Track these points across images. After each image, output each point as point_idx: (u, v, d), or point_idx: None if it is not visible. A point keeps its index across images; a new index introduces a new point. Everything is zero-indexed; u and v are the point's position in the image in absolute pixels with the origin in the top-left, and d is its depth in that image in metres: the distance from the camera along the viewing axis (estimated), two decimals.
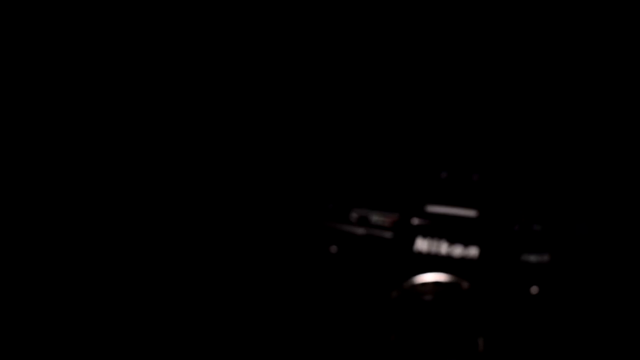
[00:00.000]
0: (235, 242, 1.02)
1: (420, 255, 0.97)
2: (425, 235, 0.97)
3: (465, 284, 0.96)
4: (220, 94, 1.02)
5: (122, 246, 0.97)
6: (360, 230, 0.97)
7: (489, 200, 0.97)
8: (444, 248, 0.97)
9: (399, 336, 0.93)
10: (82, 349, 0.85)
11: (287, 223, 1.01)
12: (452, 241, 0.96)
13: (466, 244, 0.96)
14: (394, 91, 1.05)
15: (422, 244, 0.97)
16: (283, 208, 1.03)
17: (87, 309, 0.91)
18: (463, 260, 0.96)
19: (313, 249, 0.96)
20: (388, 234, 0.98)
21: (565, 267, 0.95)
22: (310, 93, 1.03)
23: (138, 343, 0.89)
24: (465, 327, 0.94)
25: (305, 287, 0.98)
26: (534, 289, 0.96)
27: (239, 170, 1.03)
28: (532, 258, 0.98)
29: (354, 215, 0.97)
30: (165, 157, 1.00)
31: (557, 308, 0.96)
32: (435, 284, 0.97)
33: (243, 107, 1.03)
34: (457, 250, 0.97)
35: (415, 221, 0.96)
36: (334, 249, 0.97)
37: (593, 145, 0.99)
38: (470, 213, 0.97)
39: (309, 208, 0.98)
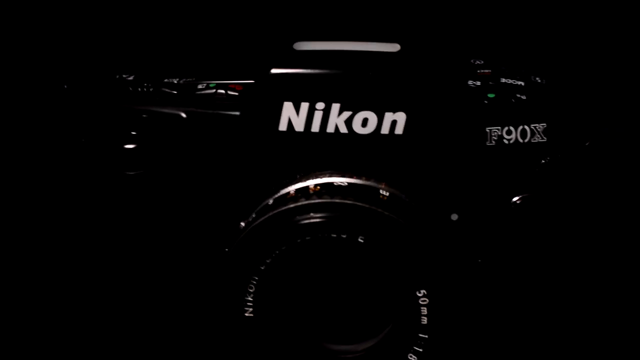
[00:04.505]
0: None
1: (299, 140, 0.57)
2: (304, 98, 0.56)
3: (384, 190, 0.56)
4: None
5: None
6: (182, 112, 0.60)
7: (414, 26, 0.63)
8: (338, 122, 0.56)
9: (260, 301, 0.56)
10: None
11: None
12: (353, 107, 0.56)
13: (379, 110, 0.56)
14: None
15: (296, 120, 0.57)
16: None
17: None
18: (378, 142, 0.56)
19: (100, 151, 0.61)
20: (233, 112, 0.59)
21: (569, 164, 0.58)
22: None
23: None
24: (391, 275, 0.55)
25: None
26: (517, 198, 0.58)
27: None
28: (508, 136, 0.58)
29: (167, 87, 0.61)
30: None
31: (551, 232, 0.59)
32: (328, 191, 0.55)
33: None
34: (366, 125, 0.56)
35: (280, 81, 0.57)
36: (130, 147, 0.60)
37: None
38: (384, 48, 0.57)
39: (91, 84, 0.63)
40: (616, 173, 0.61)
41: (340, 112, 0.56)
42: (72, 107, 0.63)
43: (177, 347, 0.64)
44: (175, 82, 0.63)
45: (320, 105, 0.56)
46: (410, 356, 0.56)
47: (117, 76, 0.64)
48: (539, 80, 0.61)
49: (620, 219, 0.61)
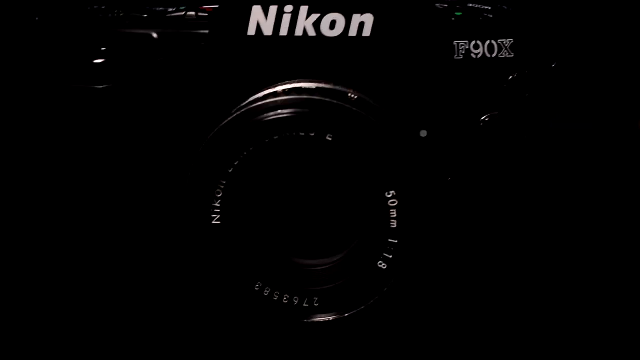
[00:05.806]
0: None
1: (268, 45, 0.56)
2: (273, 1, 0.55)
3: (353, 94, 0.54)
4: None
5: None
6: (154, 32, 0.59)
7: None
8: (306, 24, 0.55)
9: (228, 207, 0.54)
10: None
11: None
12: (321, 8, 0.55)
13: (347, 12, 0.55)
14: None
15: (265, 23, 0.56)
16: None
17: None
18: (346, 45, 0.55)
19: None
20: (203, 30, 0.59)
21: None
22: None
23: None
24: (360, 176, 0.53)
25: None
26: (485, 116, 0.57)
27: None
28: (475, 50, 0.57)
29: (138, 12, 0.62)
30: None
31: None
32: (297, 92, 0.54)
33: None
34: (334, 27, 0.55)
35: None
36: (98, 62, 0.59)
37: None
38: None
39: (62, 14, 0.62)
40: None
41: (308, 15, 0.55)
42: (43, 36, 0.62)
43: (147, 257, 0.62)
44: (147, 8, 0.63)
45: (288, 8, 0.55)
46: (380, 263, 0.54)
47: (89, 7, 0.64)
48: (506, 8, 0.61)
49: (583, 139, 0.61)
